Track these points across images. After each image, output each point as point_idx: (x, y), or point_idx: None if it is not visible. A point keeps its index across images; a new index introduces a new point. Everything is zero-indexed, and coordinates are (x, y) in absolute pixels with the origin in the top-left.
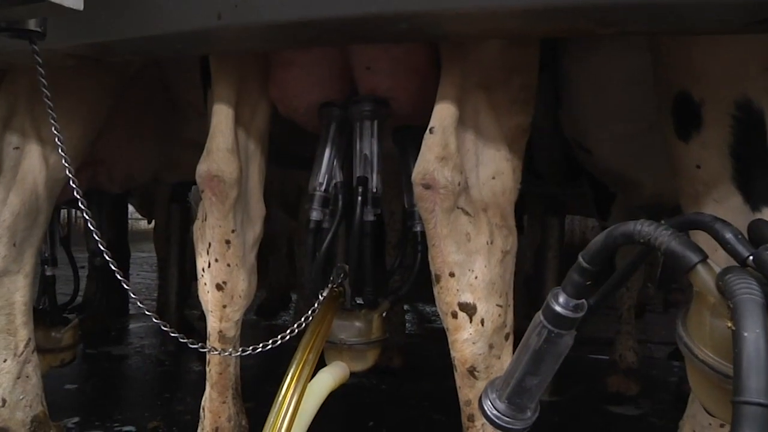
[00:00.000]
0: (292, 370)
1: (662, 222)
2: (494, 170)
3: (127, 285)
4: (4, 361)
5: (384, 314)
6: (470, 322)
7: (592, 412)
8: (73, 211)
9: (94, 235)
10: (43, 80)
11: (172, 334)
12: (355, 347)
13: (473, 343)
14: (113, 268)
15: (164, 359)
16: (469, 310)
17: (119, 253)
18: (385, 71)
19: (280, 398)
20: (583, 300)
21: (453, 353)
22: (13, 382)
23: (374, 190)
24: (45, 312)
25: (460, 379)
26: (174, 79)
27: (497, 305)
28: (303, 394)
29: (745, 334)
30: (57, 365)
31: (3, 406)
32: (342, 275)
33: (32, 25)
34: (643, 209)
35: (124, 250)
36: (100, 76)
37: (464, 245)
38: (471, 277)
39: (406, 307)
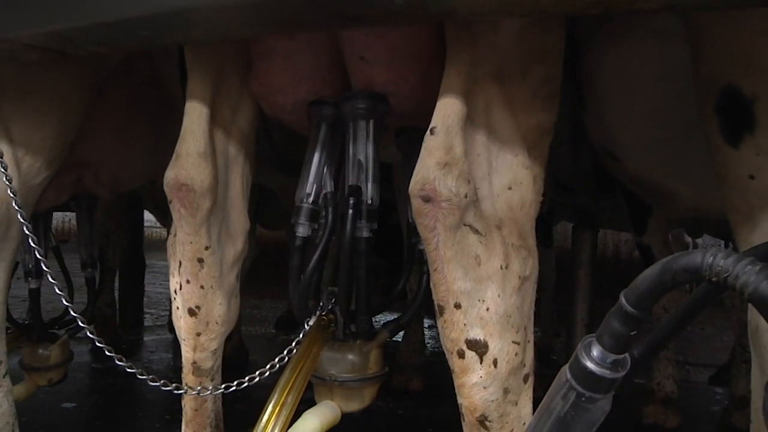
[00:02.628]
0: (266, 415)
1: (743, 253)
2: (511, 179)
3: (67, 301)
4: None
5: (381, 346)
6: (480, 362)
7: None
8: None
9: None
10: None
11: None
12: (348, 384)
13: (484, 387)
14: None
15: (171, 375)
16: (480, 348)
17: (134, 262)
18: (382, 61)
19: None
20: (626, 354)
21: (460, 399)
22: None
23: (369, 201)
24: (30, 328)
25: (468, 430)
26: (166, 74)
27: (513, 342)
28: None
29: None
30: (45, 384)
31: None
32: (332, 300)
33: None
34: (684, 224)
35: (139, 259)
36: (74, 71)
37: (473, 270)
38: (481, 309)
39: (427, 323)
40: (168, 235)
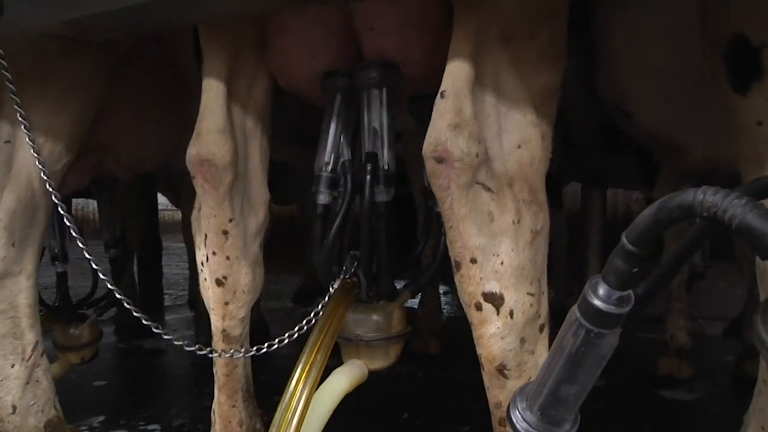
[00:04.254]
0: (297, 374)
1: (732, 189)
2: (520, 138)
3: (105, 275)
4: (12, 366)
5: (404, 305)
6: (497, 314)
7: (641, 397)
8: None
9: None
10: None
11: (166, 336)
12: (374, 343)
13: (502, 337)
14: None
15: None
16: (496, 300)
17: (151, 244)
18: (391, 30)
19: (284, 406)
20: (629, 291)
21: (479, 350)
22: (23, 387)
23: (386, 167)
24: (61, 309)
25: (488, 379)
26: (180, 55)
27: (528, 294)
28: (310, 400)
29: None
30: (78, 362)
31: (13, 412)
32: (355, 264)
33: None
34: (692, 178)
35: (155, 241)
36: (89, 57)
37: (487, 226)
38: (496, 263)
39: (444, 289)
40: (192, 210)
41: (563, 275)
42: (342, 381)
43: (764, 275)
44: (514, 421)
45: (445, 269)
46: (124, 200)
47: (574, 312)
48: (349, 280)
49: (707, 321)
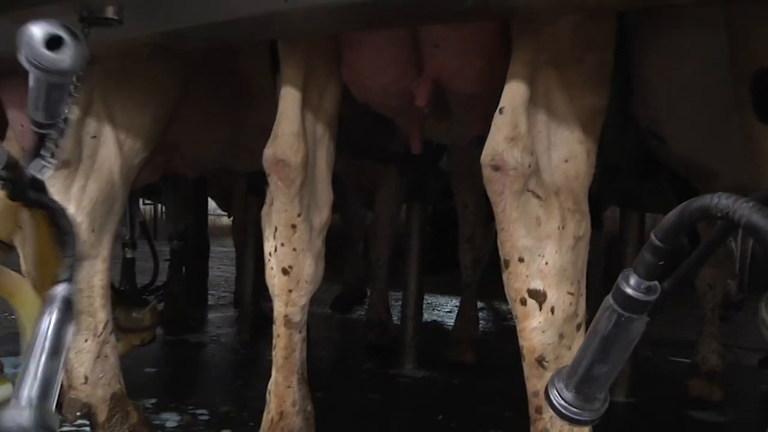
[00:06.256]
0: None
1: (743, 196)
2: (567, 153)
3: None
4: (85, 341)
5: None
6: (540, 309)
7: (671, 416)
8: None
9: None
10: None
11: None
12: None
13: (542, 331)
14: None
15: (238, 348)
16: (539, 297)
17: (199, 244)
18: (454, 49)
19: None
20: (656, 282)
21: (521, 342)
22: (93, 361)
23: None
24: (126, 293)
25: (528, 369)
26: (244, 64)
27: (568, 293)
28: None
29: None
30: (138, 344)
31: (85, 382)
32: None
33: (110, 13)
34: None
35: (204, 241)
36: (169, 63)
37: (534, 230)
38: (541, 263)
39: (480, 304)
40: (264, 205)
41: (599, 297)
42: None
43: None
44: (552, 398)
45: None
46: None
47: (608, 299)
48: None
49: (743, 351)
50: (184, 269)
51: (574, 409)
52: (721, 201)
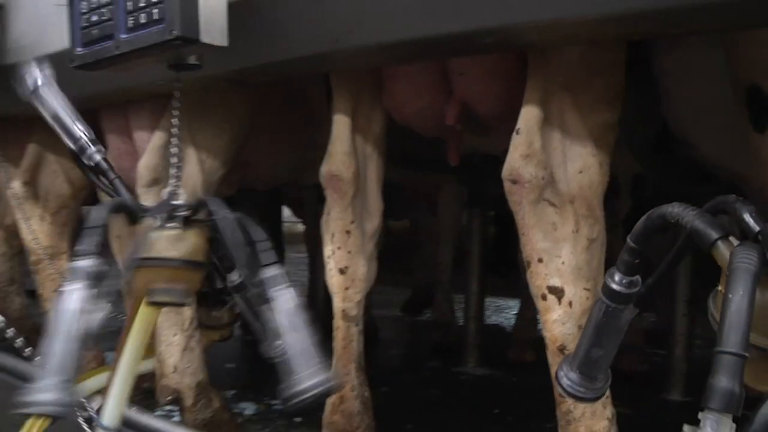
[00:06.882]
0: None
1: (693, 206)
2: (581, 165)
3: None
4: (174, 335)
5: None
6: (559, 304)
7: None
8: None
9: None
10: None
11: None
12: None
13: (563, 323)
14: None
15: None
16: (558, 293)
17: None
18: (477, 75)
19: None
20: (637, 276)
21: (544, 333)
22: (181, 352)
23: None
24: (206, 294)
25: (551, 356)
26: (310, 93)
27: (585, 289)
28: None
29: (730, 296)
30: (217, 340)
31: (174, 371)
32: None
33: (192, 59)
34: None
35: (279, 249)
36: (242, 92)
37: (551, 234)
38: (558, 263)
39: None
40: (323, 215)
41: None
42: None
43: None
44: (560, 378)
45: None
46: (252, 210)
47: (599, 293)
48: None
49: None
50: None
51: (579, 388)
52: (674, 209)
